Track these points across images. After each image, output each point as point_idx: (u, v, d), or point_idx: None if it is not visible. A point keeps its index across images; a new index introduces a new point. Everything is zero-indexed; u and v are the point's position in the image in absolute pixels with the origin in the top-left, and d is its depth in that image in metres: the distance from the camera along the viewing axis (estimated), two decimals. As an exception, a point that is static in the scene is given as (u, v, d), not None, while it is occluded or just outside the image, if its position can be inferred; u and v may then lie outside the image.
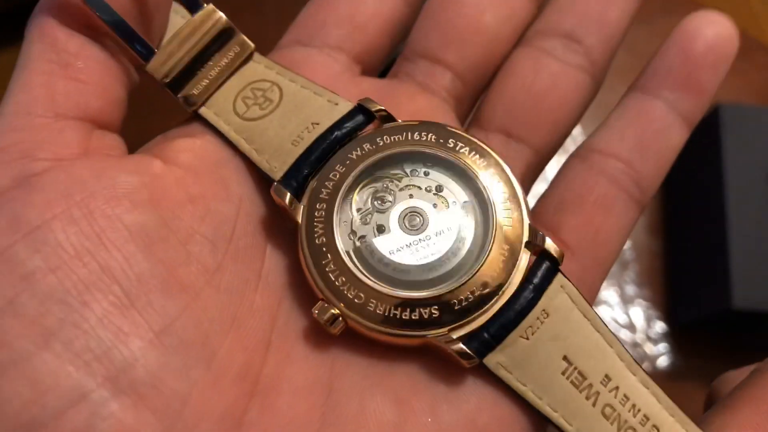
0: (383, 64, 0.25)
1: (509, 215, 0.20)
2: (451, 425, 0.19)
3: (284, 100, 0.21)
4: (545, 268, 0.20)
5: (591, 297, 0.22)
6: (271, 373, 0.19)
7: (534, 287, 0.19)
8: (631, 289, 0.54)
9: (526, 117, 0.23)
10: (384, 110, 0.21)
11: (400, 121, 0.21)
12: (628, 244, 0.54)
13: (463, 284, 0.19)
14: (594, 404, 0.19)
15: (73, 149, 0.18)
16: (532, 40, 0.24)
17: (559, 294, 0.20)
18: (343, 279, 0.19)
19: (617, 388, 0.19)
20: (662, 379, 0.46)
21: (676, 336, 0.54)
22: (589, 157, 0.23)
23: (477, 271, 0.19)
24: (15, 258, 0.17)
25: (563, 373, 0.19)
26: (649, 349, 0.53)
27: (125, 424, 0.16)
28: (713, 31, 0.23)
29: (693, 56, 0.23)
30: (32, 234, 0.17)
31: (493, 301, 0.19)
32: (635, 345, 0.52)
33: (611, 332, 0.20)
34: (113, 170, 0.18)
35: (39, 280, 0.16)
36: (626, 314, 0.54)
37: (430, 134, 0.21)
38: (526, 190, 0.24)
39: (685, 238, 0.54)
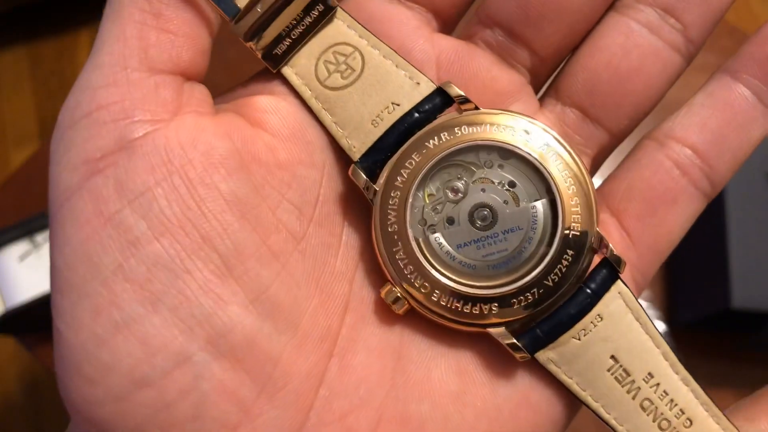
0: (461, 17, 0.24)
1: (578, 219, 0.20)
2: (507, 399, 0.20)
3: (366, 71, 0.21)
4: (605, 274, 0.20)
5: (644, 283, 0.23)
6: (348, 334, 0.20)
7: (592, 292, 0.20)
8: (630, 289, 0.54)
9: (607, 98, 0.22)
10: (464, 96, 0.21)
11: (480, 109, 0.21)
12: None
13: (524, 284, 0.20)
14: (634, 398, 0.20)
15: (168, 108, 0.18)
16: (627, 8, 0.22)
17: (615, 300, 0.20)
18: (411, 268, 0.20)
19: (658, 384, 0.20)
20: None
21: (676, 336, 0.54)
22: (665, 144, 0.22)
23: (539, 273, 0.20)
24: (123, 223, 0.17)
25: (608, 370, 0.20)
26: (649, 349, 0.53)
27: (225, 384, 0.18)
28: None
29: None
30: (137, 200, 0.17)
31: (551, 302, 0.20)
32: (635, 345, 0.52)
33: (660, 334, 0.21)
34: (207, 134, 0.19)
35: (145, 246, 0.17)
36: (626, 314, 0.54)
37: (508, 128, 0.21)
38: (595, 170, 0.24)
39: (684, 239, 0.54)
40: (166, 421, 0.17)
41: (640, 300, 0.21)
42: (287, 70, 0.21)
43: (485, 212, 0.20)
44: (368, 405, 0.20)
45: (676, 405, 0.20)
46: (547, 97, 0.23)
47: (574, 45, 0.23)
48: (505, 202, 0.20)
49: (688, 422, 0.20)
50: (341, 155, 0.21)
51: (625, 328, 0.20)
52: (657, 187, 0.22)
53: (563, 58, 0.23)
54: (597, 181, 0.23)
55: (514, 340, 0.20)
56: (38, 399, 1.00)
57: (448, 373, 0.20)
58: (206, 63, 0.20)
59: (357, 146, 0.20)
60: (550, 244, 0.20)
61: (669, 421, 0.20)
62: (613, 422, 0.20)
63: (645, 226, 0.22)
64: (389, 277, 0.20)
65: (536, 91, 0.24)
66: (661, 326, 0.54)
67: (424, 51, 0.22)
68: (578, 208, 0.20)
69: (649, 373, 0.20)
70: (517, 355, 0.20)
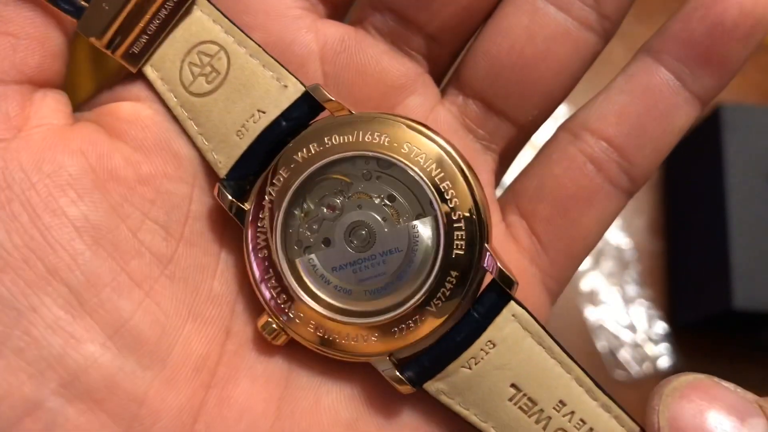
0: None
1: (463, 236, 0.18)
2: (408, 425, 0.19)
3: (231, 73, 0.19)
4: (494, 297, 0.18)
5: (558, 290, 0.22)
6: (229, 362, 0.19)
7: (480, 316, 0.18)
8: (632, 290, 0.54)
9: (512, 88, 0.20)
10: (334, 101, 0.19)
11: (353, 113, 0.19)
12: (629, 244, 0.54)
13: (405, 311, 0.18)
14: (544, 428, 0.18)
15: (10, 125, 0.17)
16: None
17: (509, 324, 0.18)
18: (284, 297, 0.18)
19: (572, 413, 0.18)
20: (662, 379, 0.47)
21: (677, 336, 0.54)
22: (579, 136, 0.20)
23: (421, 297, 0.18)
24: None
25: (510, 399, 0.18)
26: (650, 349, 0.53)
27: (83, 428, 0.16)
28: (750, 0, 0.19)
29: (721, 26, 0.19)
30: None
31: (435, 329, 0.18)
32: (636, 345, 0.52)
33: (571, 358, 0.19)
34: (56, 152, 0.17)
35: None
36: (627, 314, 0.53)
37: (384, 136, 0.18)
38: (507, 166, 0.22)
39: (685, 239, 0.54)
40: None
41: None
42: (152, 74, 0.19)
43: (362, 232, 0.19)
44: None
45: None
46: (449, 87, 0.21)
47: (476, 27, 0.21)
48: (384, 219, 0.19)
49: None
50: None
51: (525, 353, 0.18)
52: (569, 185, 0.20)
53: (465, 41, 0.21)
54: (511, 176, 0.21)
55: (397, 373, 0.18)
56: (40, 399, 0.99)
57: (340, 399, 0.19)
58: (62, 66, 0.18)
59: (223, 160, 0.18)
60: (432, 266, 0.18)
61: None
62: None
63: (556, 230, 0.20)
64: (265, 307, 0.18)
65: (441, 78, 0.22)
66: (662, 327, 0.53)
67: (306, 44, 0.20)
68: (462, 224, 0.18)
69: (561, 401, 0.18)
70: (401, 388, 0.18)
